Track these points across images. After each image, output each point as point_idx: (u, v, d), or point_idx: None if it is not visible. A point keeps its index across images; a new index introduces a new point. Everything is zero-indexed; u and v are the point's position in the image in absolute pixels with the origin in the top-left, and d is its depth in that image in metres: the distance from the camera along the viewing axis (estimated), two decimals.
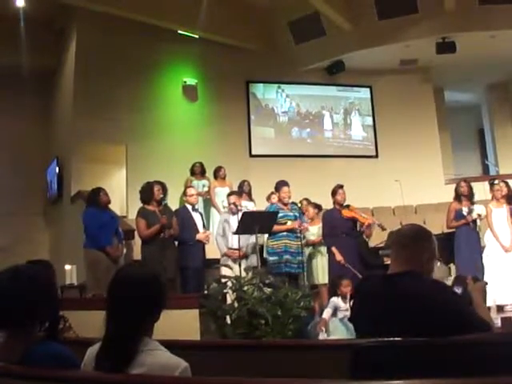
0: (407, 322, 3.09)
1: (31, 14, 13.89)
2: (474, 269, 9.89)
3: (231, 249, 10.10)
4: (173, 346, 2.92)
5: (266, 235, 10.57)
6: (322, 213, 11.10)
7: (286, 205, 10.48)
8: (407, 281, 3.30)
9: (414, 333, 2.97)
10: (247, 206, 11.48)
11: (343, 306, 8.70)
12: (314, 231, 10.84)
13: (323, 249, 10.63)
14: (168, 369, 2.65)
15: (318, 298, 10.37)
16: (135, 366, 2.67)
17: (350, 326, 8.07)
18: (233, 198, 10.54)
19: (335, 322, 8.52)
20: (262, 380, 2.22)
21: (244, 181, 12.90)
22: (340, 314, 8.60)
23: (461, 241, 10.50)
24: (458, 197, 10.82)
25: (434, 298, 3.20)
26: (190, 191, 10.83)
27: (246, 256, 9.99)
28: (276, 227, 10.08)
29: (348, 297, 8.69)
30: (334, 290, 9.06)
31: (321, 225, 10.66)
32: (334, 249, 10.00)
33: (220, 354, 3.99)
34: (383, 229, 10.53)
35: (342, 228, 10.22)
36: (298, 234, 10.35)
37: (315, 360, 3.56)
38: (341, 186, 10.54)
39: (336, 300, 8.77)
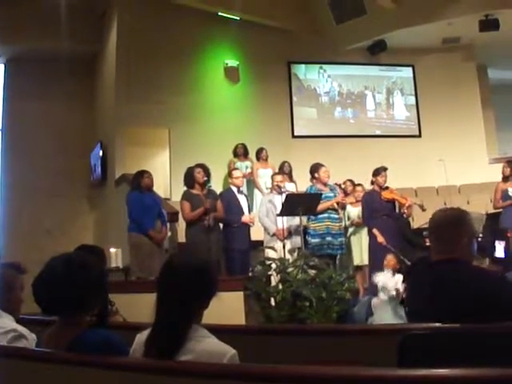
0: (447, 309, 3.07)
1: None
2: None
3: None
4: (219, 330, 2.94)
5: (305, 218, 10.37)
6: (362, 195, 11.03)
7: (325, 185, 10.43)
8: (447, 268, 3.27)
9: (456, 320, 2.95)
10: (288, 187, 11.43)
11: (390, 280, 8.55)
12: (358, 212, 10.82)
13: (364, 230, 10.58)
14: (216, 356, 2.67)
15: (360, 279, 10.37)
16: (183, 353, 2.71)
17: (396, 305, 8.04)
18: (279, 178, 10.52)
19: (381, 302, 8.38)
20: (310, 367, 2.21)
21: (284, 162, 12.91)
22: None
23: (507, 222, 10.40)
24: (504, 177, 10.73)
25: (474, 284, 3.17)
26: (236, 173, 10.83)
27: (290, 236, 9.98)
28: (319, 206, 10.01)
29: (395, 272, 8.58)
30: (377, 267, 8.99)
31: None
32: (375, 230, 9.96)
33: (268, 339, 4.00)
34: (423, 209, 10.56)
35: (383, 210, 10.20)
36: (339, 216, 10.33)
37: (361, 346, 3.55)
38: (385, 169, 10.49)
39: (383, 278, 8.62)
